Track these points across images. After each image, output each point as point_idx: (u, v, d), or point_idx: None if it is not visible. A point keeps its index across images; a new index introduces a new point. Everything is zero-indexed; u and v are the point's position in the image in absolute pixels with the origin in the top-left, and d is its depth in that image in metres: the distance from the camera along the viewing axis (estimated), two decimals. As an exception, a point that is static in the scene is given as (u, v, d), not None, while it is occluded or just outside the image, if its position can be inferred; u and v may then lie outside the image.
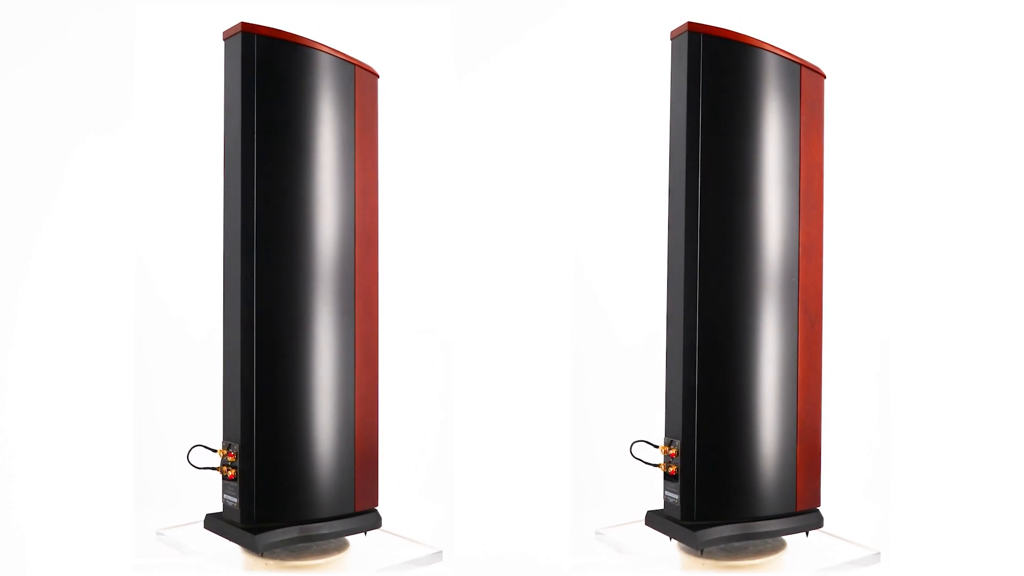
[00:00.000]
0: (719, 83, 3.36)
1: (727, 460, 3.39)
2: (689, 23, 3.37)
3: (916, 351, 3.69)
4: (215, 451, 3.38)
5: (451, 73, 3.78)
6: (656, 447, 3.46)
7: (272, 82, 3.30)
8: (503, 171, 3.80)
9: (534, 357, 3.76)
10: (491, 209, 3.80)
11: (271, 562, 3.37)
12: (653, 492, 3.55)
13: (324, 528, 3.39)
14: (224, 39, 3.36)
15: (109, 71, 3.64)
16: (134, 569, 3.43)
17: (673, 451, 3.38)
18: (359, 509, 3.44)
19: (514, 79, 3.78)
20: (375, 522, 3.49)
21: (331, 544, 3.44)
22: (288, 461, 3.35)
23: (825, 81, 3.48)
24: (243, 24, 3.30)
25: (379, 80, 3.48)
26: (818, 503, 3.49)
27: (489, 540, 3.58)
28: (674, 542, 3.47)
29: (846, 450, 3.86)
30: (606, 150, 3.91)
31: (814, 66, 3.45)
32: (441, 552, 3.49)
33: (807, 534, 3.48)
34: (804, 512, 3.46)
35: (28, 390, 3.61)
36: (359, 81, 3.39)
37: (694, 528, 3.35)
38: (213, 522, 3.42)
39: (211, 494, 3.53)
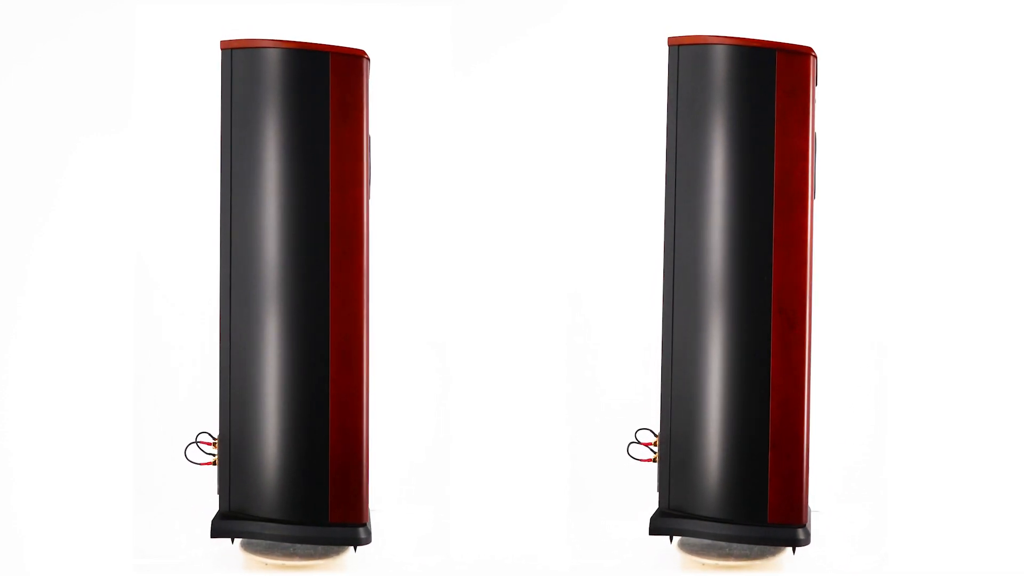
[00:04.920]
0: (690, 90, 3.38)
1: (686, 459, 3.43)
2: (669, 38, 3.40)
3: (927, 356, 3.69)
4: (214, 440, 3.44)
5: (451, 74, 3.78)
6: (656, 436, 3.49)
7: (244, 91, 3.34)
8: (502, 171, 3.80)
9: (531, 357, 3.76)
10: (489, 210, 3.80)
11: (271, 562, 3.37)
12: (653, 493, 3.56)
13: (286, 531, 3.39)
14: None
15: (109, 71, 3.64)
16: (134, 569, 3.43)
17: (647, 443, 3.49)
18: (335, 520, 3.39)
19: (514, 80, 3.78)
20: (354, 537, 3.40)
21: (331, 548, 3.44)
22: (251, 459, 3.39)
23: (817, 61, 3.40)
24: (222, 42, 3.36)
25: (369, 62, 3.41)
26: (799, 519, 3.40)
27: (487, 543, 3.58)
28: (674, 542, 3.49)
29: (845, 458, 3.84)
30: (607, 152, 3.91)
31: (797, 47, 3.36)
32: (441, 554, 3.50)
33: (794, 550, 3.43)
34: (776, 525, 3.40)
35: (28, 389, 3.61)
36: (335, 69, 3.36)
37: (658, 515, 3.45)
38: None
39: (212, 492, 3.53)
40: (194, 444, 3.45)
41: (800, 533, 3.39)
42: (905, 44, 3.74)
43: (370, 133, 3.47)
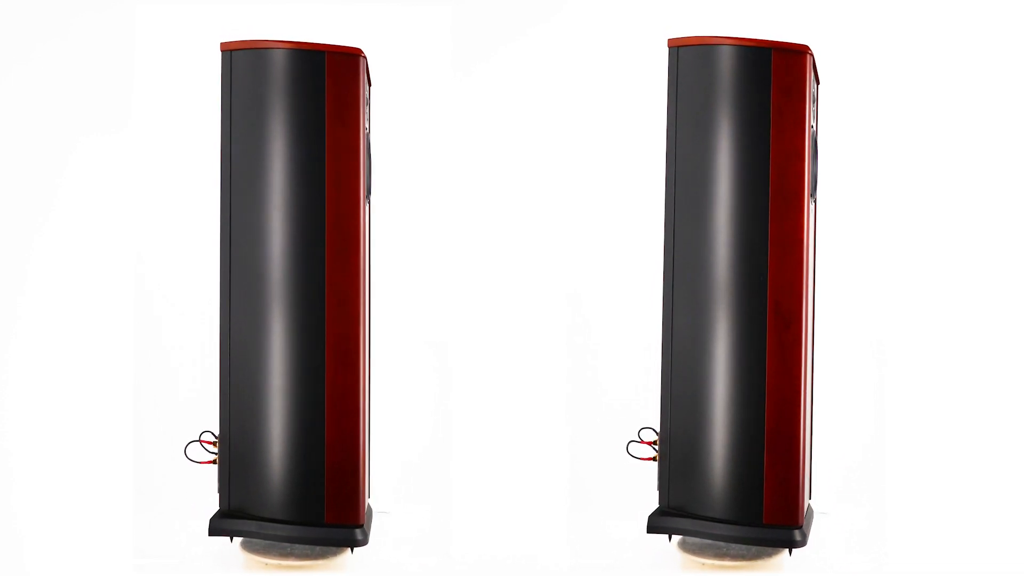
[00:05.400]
0: (689, 91, 3.38)
1: (686, 458, 3.43)
2: (669, 40, 3.40)
3: (927, 356, 3.68)
4: (216, 440, 3.45)
5: (451, 74, 3.78)
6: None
7: (242, 91, 3.35)
8: (502, 171, 3.81)
9: (531, 357, 3.76)
10: (489, 210, 3.80)
11: (271, 562, 3.37)
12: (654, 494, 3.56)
13: (281, 531, 3.39)
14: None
15: (109, 71, 3.64)
16: (134, 569, 3.44)
17: (650, 441, 3.50)
18: (330, 521, 3.38)
19: (514, 80, 3.78)
20: (350, 538, 3.38)
21: (330, 548, 3.44)
22: (250, 458, 3.40)
23: (815, 60, 3.38)
24: (222, 44, 3.36)
25: (366, 61, 3.40)
26: (795, 521, 3.37)
27: (487, 543, 3.59)
28: (674, 542, 3.49)
29: (845, 458, 3.83)
30: (607, 152, 3.91)
31: (793, 45, 3.34)
32: (440, 554, 3.50)
33: (790, 552, 3.41)
34: (772, 526, 3.38)
35: (28, 389, 3.61)
36: (331, 67, 3.35)
37: (656, 514, 3.46)
38: None
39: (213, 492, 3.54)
40: (197, 443, 3.45)
41: (796, 535, 3.37)
42: (905, 44, 3.73)
43: (370, 132, 3.48)
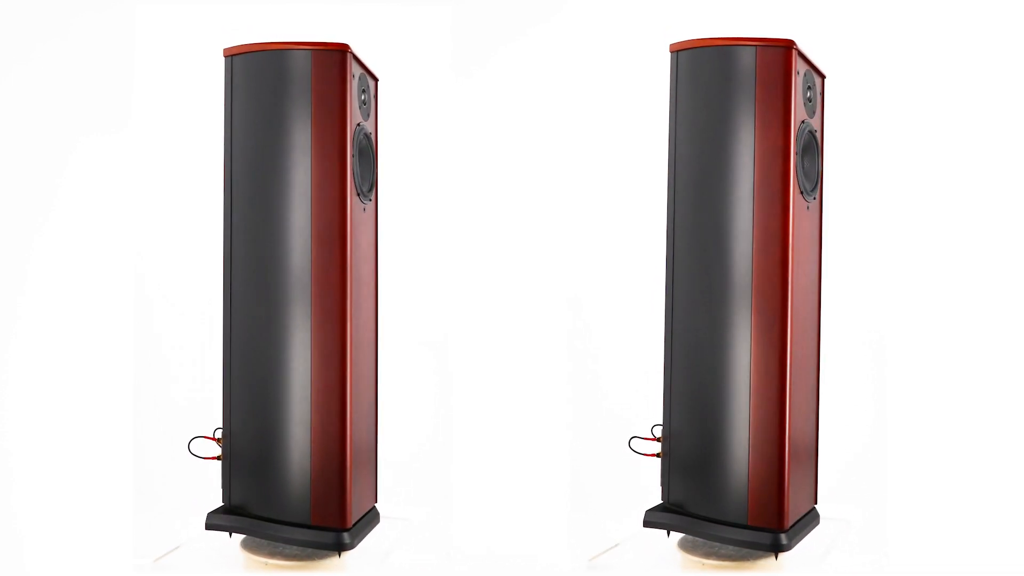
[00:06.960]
0: (686, 93, 3.39)
1: (683, 457, 3.46)
2: (671, 45, 3.40)
3: (928, 356, 3.68)
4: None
5: (450, 74, 3.78)
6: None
7: (240, 93, 3.37)
8: (502, 174, 3.81)
9: (532, 361, 3.76)
10: (488, 211, 3.80)
11: (271, 562, 3.37)
12: (653, 495, 3.56)
13: (271, 530, 3.39)
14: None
15: (109, 71, 3.64)
16: (134, 569, 3.44)
17: (655, 438, 3.53)
18: (316, 523, 3.37)
19: (515, 80, 3.78)
20: (337, 542, 3.36)
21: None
22: (245, 456, 3.42)
23: (801, 54, 3.35)
24: (224, 50, 3.37)
25: (353, 56, 3.39)
26: (778, 524, 3.34)
27: (488, 543, 3.59)
28: (674, 542, 3.49)
29: (844, 457, 3.83)
30: (607, 154, 3.91)
31: (777, 40, 3.30)
32: (441, 554, 3.50)
33: (776, 556, 3.37)
34: (755, 528, 3.36)
35: (28, 389, 3.61)
36: (316, 65, 3.36)
37: (653, 510, 3.49)
38: None
39: (212, 492, 3.54)
40: (209, 439, 3.45)
41: (782, 538, 3.34)
42: (910, 42, 3.74)
43: (375, 128, 3.48)
